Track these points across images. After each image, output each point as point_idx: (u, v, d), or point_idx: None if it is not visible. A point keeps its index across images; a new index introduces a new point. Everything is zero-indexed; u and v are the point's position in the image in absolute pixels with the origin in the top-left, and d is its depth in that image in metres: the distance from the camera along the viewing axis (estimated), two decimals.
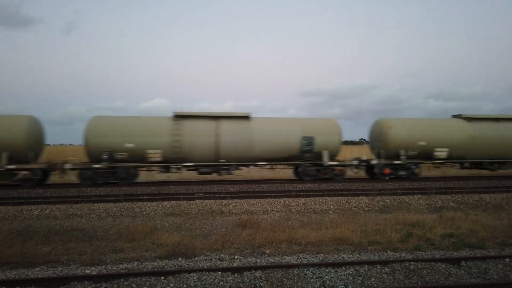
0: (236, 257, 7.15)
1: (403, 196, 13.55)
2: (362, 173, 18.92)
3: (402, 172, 17.88)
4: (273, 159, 17.15)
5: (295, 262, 6.75)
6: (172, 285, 5.70)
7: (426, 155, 17.97)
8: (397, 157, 17.79)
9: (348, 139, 70.24)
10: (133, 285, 5.66)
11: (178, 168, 16.31)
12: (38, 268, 6.56)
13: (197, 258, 7.11)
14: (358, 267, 6.45)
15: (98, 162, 15.77)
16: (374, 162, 17.75)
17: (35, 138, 16.00)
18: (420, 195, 13.79)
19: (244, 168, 17.82)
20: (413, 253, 7.45)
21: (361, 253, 7.46)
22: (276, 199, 13.09)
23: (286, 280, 5.90)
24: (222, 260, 6.92)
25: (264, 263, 6.70)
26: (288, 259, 7.02)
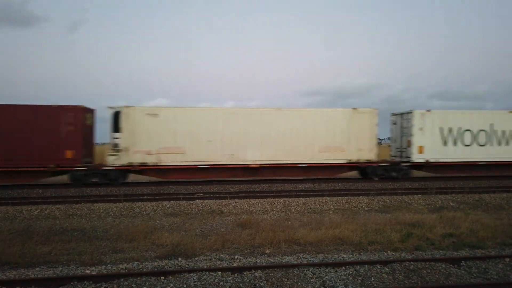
0: (236, 257, 7.14)
1: (403, 196, 13.55)
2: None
3: None
4: None
5: (295, 262, 6.75)
6: (172, 285, 5.69)
7: None
8: None
9: None
10: (133, 285, 5.66)
11: None
12: (38, 268, 6.56)
13: (197, 258, 7.10)
14: (358, 267, 6.44)
15: None
16: None
17: None
18: (420, 195, 13.79)
19: None
20: (413, 253, 7.45)
21: (361, 253, 7.46)
22: (276, 199, 13.09)
23: (286, 280, 5.90)
24: (222, 260, 6.92)
25: (264, 263, 6.69)
26: (288, 259, 7.02)
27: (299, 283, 5.80)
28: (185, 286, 5.68)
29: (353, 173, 18.99)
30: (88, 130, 16.44)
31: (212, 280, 5.86)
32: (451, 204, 12.88)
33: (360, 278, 6.05)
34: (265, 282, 5.82)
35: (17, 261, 6.88)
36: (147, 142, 15.96)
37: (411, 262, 6.59)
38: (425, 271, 6.31)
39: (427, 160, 17.81)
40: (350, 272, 6.25)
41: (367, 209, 12.22)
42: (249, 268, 6.27)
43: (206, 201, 12.62)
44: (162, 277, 5.93)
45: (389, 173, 17.87)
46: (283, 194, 14.29)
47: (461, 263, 6.67)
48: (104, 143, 21.49)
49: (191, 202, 12.44)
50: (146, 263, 6.83)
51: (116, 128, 15.87)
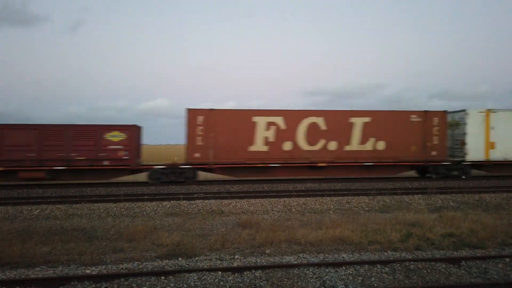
0: (236, 257, 7.15)
1: (403, 196, 13.55)
2: None
3: None
4: None
5: (295, 262, 6.75)
6: (172, 285, 5.70)
7: None
8: None
9: None
10: (133, 285, 5.66)
11: None
12: (38, 268, 6.56)
13: (197, 258, 7.11)
14: (358, 267, 6.44)
15: None
16: None
17: None
18: (420, 195, 13.80)
19: None
20: (413, 253, 7.45)
21: (361, 253, 7.46)
22: (276, 199, 13.09)
23: (286, 280, 5.90)
24: (222, 260, 6.92)
25: (264, 263, 6.70)
26: (288, 259, 7.02)
27: (299, 283, 5.80)
28: (185, 286, 5.68)
29: None
30: None
31: (212, 280, 5.86)
32: (451, 204, 12.88)
33: (360, 278, 6.05)
34: (265, 282, 5.82)
35: (17, 261, 6.87)
36: None
37: (411, 262, 6.59)
38: (425, 271, 6.31)
39: None
40: (350, 272, 6.25)
41: (367, 209, 12.22)
42: (249, 268, 6.27)
43: (206, 201, 12.62)
44: (162, 277, 5.93)
45: None
46: (283, 194, 14.28)
47: (461, 263, 6.67)
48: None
49: (191, 202, 12.44)
50: (146, 263, 6.83)
51: None
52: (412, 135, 17.67)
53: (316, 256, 7.21)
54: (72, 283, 5.69)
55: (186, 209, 11.79)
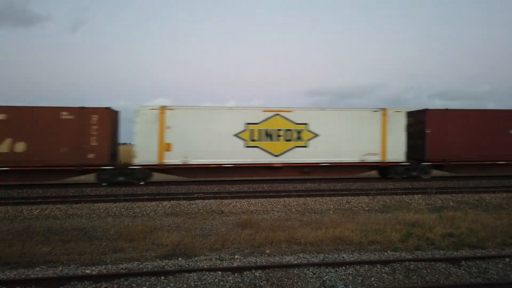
0: (236, 257, 7.15)
1: (403, 196, 13.56)
2: None
3: None
4: None
5: (295, 262, 6.75)
6: (172, 285, 5.70)
7: None
8: None
9: None
10: (133, 285, 5.66)
11: None
12: (38, 268, 6.56)
13: (197, 258, 7.11)
14: (358, 266, 6.45)
15: None
16: None
17: None
18: (420, 195, 13.80)
19: None
20: (413, 253, 7.45)
21: (361, 253, 7.46)
22: (276, 199, 13.10)
23: (286, 280, 5.90)
24: (222, 260, 6.92)
25: (264, 263, 6.70)
26: (288, 259, 7.02)
27: (299, 283, 5.80)
28: (185, 286, 5.69)
29: None
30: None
31: (212, 280, 5.87)
32: (451, 204, 12.89)
33: (360, 278, 6.05)
34: (265, 282, 5.82)
35: (17, 261, 6.88)
36: None
37: (411, 262, 6.59)
38: (425, 271, 6.31)
39: None
40: (350, 272, 6.26)
41: (367, 209, 12.23)
42: (249, 268, 6.27)
43: (206, 201, 12.62)
44: (162, 277, 5.93)
45: None
46: (283, 194, 14.29)
47: (461, 263, 6.67)
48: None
49: (191, 202, 12.45)
50: (146, 263, 6.83)
51: None
52: (63, 135, 15.38)
53: (316, 256, 7.21)
54: (72, 283, 5.69)
55: (186, 209, 11.79)
